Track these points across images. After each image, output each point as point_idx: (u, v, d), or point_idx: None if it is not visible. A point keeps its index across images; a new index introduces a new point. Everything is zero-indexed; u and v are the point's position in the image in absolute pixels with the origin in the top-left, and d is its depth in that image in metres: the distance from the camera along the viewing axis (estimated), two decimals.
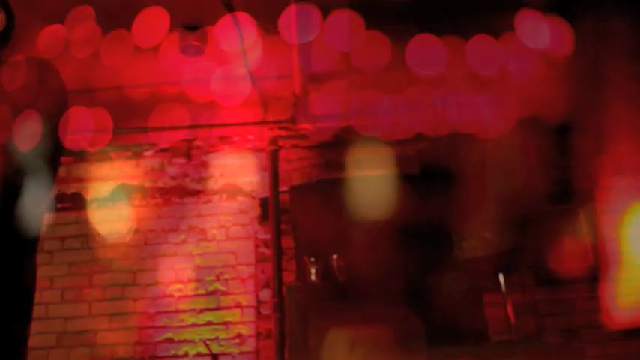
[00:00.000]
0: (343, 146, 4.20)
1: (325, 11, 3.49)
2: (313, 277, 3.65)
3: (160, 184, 4.28)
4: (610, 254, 3.71)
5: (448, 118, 4.04)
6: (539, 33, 3.65)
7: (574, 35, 3.64)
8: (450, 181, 3.89)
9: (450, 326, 3.71)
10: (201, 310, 3.96)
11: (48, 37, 3.42)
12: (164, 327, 3.93)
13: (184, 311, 3.96)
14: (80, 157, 4.27)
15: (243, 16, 3.46)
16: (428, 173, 4.10)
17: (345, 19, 3.52)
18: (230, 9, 3.34)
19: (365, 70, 3.84)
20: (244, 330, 3.90)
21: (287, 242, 4.10)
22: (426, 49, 3.68)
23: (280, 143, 4.33)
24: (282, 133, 4.35)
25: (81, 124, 3.84)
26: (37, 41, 3.37)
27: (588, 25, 3.72)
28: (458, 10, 3.60)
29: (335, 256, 3.68)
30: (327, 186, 4.21)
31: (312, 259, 3.70)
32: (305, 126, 4.32)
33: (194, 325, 3.93)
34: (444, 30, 3.65)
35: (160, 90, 4.12)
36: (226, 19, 3.44)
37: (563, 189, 4.00)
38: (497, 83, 3.92)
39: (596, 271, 3.76)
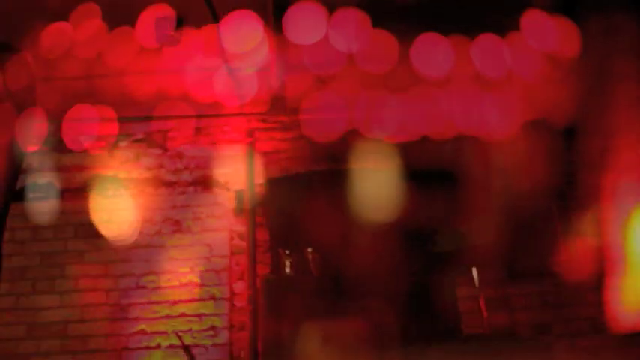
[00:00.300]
0: (323, 141, 4.18)
1: (331, 9, 3.47)
2: (288, 270, 3.66)
3: (134, 175, 4.24)
4: (615, 255, 3.72)
5: (453, 120, 3.99)
6: (546, 33, 3.65)
7: (580, 36, 3.64)
8: (428, 179, 3.92)
9: (423, 320, 3.74)
10: (175, 302, 3.93)
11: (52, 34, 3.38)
12: (137, 318, 3.90)
13: (157, 303, 3.93)
14: (53, 146, 4.21)
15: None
16: (417, 172, 4.08)
17: (351, 17, 3.50)
18: (210, 4, 3.31)
19: (367, 68, 3.81)
20: (218, 322, 3.89)
21: (262, 235, 4.09)
22: (432, 49, 3.66)
23: (257, 135, 4.31)
24: (259, 125, 4.33)
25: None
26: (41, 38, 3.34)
27: (594, 25, 3.72)
28: (463, 10, 3.59)
29: (309, 249, 3.69)
30: (304, 179, 4.20)
31: (287, 252, 3.70)
32: (282, 118, 4.30)
33: (167, 316, 3.91)
34: (449, 29, 3.63)
35: (136, 80, 4.08)
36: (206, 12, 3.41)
37: (569, 190, 4.00)
38: (504, 84, 3.90)
39: (592, 271, 3.77)
